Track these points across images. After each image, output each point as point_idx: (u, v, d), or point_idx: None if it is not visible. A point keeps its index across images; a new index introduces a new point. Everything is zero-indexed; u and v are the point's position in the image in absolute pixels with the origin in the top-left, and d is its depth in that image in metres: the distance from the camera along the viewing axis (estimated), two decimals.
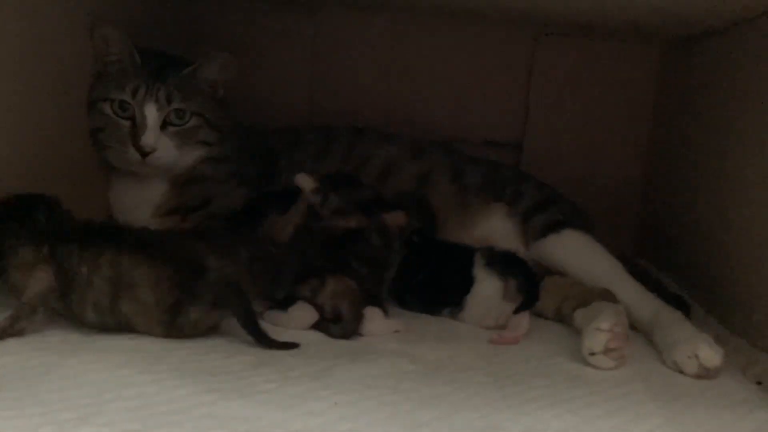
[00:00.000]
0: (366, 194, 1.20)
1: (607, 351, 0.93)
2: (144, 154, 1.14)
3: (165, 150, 1.15)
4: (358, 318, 0.97)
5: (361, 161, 1.34)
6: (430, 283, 1.13)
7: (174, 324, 0.86)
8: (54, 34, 1.06)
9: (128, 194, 1.21)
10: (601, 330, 0.93)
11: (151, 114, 1.14)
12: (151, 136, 1.14)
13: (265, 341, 0.88)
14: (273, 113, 1.52)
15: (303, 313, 0.98)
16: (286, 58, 1.60)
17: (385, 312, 1.02)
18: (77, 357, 0.79)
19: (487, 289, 1.09)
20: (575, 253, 1.21)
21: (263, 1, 1.57)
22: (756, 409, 0.85)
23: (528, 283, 1.11)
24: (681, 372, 0.94)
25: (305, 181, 1.17)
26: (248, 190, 1.26)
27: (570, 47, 1.61)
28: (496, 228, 1.30)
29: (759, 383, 0.95)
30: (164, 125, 1.15)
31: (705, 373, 0.93)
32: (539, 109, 1.63)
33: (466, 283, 1.10)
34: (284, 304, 1.00)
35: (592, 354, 0.93)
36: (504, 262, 1.11)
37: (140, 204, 1.19)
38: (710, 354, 0.93)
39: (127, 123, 1.15)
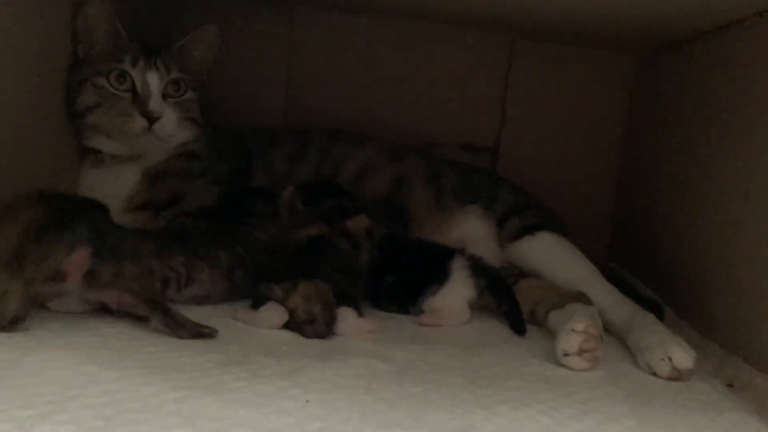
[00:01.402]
0: (325, 206, 1.20)
1: (581, 352, 0.93)
2: (152, 121, 1.13)
3: (168, 118, 1.16)
4: (332, 320, 0.96)
5: (337, 164, 1.33)
6: (402, 284, 1.12)
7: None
8: (26, 24, 1.04)
9: (99, 187, 1.18)
10: (575, 331, 0.94)
11: (154, 81, 1.15)
12: (157, 102, 1.14)
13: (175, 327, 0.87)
14: (248, 114, 1.50)
15: (273, 313, 0.97)
16: (262, 59, 1.59)
17: (359, 312, 1.01)
18: (39, 353, 0.77)
19: (460, 291, 1.09)
20: (550, 255, 1.22)
21: (239, 1, 1.55)
22: (727, 412, 0.86)
23: (514, 310, 1.11)
24: (654, 374, 0.95)
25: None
26: (221, 189, 1.24)
27: (546, 53, 1.61)
28: (472, 230, 1.30)
29: (730, 386, 0.95)
30: (163, 97, 1.16)
31: (678, 376, 0.94)
32: (515, 113, 1.63)
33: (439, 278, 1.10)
34: (255, 303, 0.98)
35: (566, 355, 0.93)
36: (490, 282, 1.12)
37: (111, 197, 1.16)
38: (683, 356, 0.94)
39: (127, 94, 1.14)
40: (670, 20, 1.25)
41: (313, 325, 0.95)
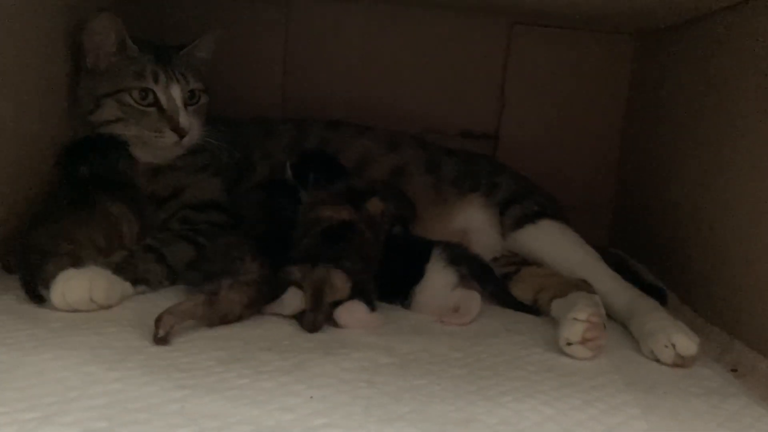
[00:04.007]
0: (340, 186, 1.19)
1: (584, 341, 0.93)
2: (182, 136, 1.15)
3: (194, 129, 1.18)
4: (322, 311, 0.95)
5: (336, 153, 1.33)
6: (384, 279, 1.10)
7: None
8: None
9: None
10: (578, 320, 0.93)
11: (177, 96, 1.16)
12: (186, 117, 1.16)
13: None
14: (246, 104, 1.49)
15: (294, 301, 0.97)
16: (259, 48, 1.58)
17: (371, 306, 1.00)
18: (41, 354, 0.77)
19: (439, 281, 1.08)
20: (552, 243, 1.21)
21: None
22: (730, 397, 0.85)
23: (499, 289, 1.12)
24: (657, 361, 0.95)
25: None
26: (222, 180, 1.24)
27: (545, 37, 1.60)
28: (474, 219, 1.29)
29: (734, 371, 0.95)
30: (184, 106, 1.17)
31: (681, 362, 0.94)
32: (515, 99, 1.62)
33: (416, 276, 1.09)
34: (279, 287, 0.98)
35: (569, 344, 0.93)
36: (470, 268, 1.11)
37: None
38: (686, 343, 0.94)
39: (152, 109, 1.15)
40: (669, 3, 1.24)
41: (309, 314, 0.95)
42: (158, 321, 0.84)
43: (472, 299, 1.06)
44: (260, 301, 0.96)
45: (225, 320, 0.92)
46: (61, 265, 0.92)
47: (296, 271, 0.98)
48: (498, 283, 1.14)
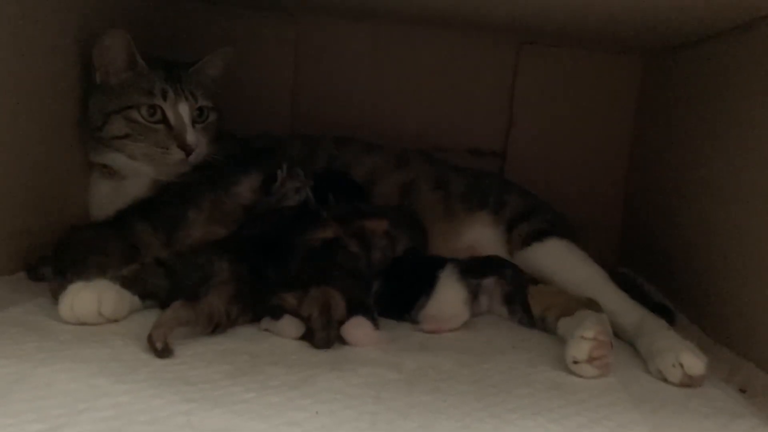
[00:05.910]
0: (343, 209, 1.20)
1: (591, 359, 0.92)
2: (189, 153, 1.16)
3: (201, 146, 1.19)
4: (329, 327, 0.95)
5: (345, 170, 1.33)
6: (390, 295, 1.11)
7: None
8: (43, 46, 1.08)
9: (108, 196, 1.20)
10: (585, 338, 0.93)
11: (185, 113, 1.17)
12: (193, 134, 1.17)
13: None
14: (255, 122, 1.50)
15: (291, 327, 0.96)
16: (268, 64, 1.59)
17: (375, 324, 0.99)
18: (50, 366, 0.77)
19: (450, 297, 1.09)
20: (559, 261, 1.21)
21: (245, 7, 1.56)
22: (739, 418, 0.85)
23: (514, 278, 1.14)
24: (665, 380, 0.94)
25: None
26: None
27: (553, 56, 1.61)
28: (481, 237, 1.30)
29: (743, 391, 0.95)
30: (192, 124, 1.18)
31: (689, 382, 0.93)
32: (523, 117, 1.63)
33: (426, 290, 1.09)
34: (273, 314, 0.98)
35: (576, 362, 0.93)
36: (485, 266, 1.13)
37: (119, 205, 1.17)
38: (694, 362, 0.93)
39: (160, 126, 1.16)
40: (677, 23, 1.24)
41: (317, 333, 0.94)
42: (150, 339, 0.84)
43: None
44: (243, 296, 0.96)
45: (214, 321, 0.91)
46: (89, 277, 0.93)
47: (290, 298, 0.98)
48: (514, 271, 1.16)
